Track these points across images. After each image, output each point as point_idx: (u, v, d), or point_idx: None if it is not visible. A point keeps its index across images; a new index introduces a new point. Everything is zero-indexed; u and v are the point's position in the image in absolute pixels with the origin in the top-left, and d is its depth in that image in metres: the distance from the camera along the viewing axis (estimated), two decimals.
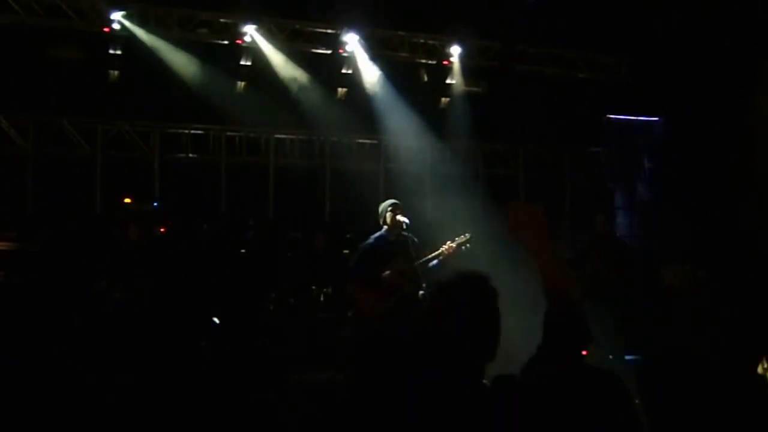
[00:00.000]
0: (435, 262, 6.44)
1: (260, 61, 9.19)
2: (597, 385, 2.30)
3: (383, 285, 6.47)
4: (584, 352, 8.30)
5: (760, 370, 4.24)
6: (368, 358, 2.06)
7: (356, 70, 9.53)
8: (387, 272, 6.49)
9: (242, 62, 9.08)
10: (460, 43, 9.75)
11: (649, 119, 10.93)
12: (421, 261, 6.38)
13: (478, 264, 7.74)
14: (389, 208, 6.49)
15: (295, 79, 9.32)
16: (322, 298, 8.38)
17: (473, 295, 2.14)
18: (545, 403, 2.20)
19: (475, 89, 10.08)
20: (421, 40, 9.88)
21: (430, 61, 9.97)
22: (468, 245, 6.47)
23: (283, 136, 9.86)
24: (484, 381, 2.16)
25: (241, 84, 9.17)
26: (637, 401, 2.41)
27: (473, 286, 2.16)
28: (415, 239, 6.49)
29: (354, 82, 9.56)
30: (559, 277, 2.28)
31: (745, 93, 9.28)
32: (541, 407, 2.18)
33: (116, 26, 8.53)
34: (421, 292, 6.36)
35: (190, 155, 9.48)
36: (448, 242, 6.48)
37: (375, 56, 9.58)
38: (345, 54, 9.39)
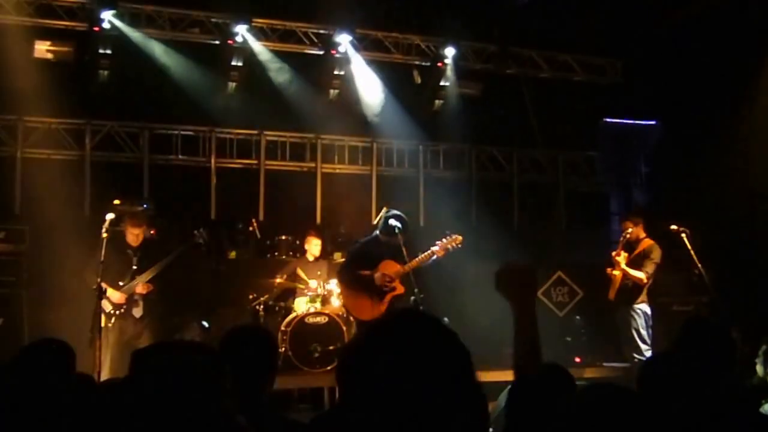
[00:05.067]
0: (427, 263, 6.44)
1: (252, 62, 9.10)
2: None
3: (373, 287, 6.42)
4: (578, 359, 8.15)
5: (760, 372, 4.14)
6: (352, 362, 2.00)
7: (349, 71, 9.44)
8: (377, 274, 6.44)
9: (233, 63, 8.98)
10: (454, 44, 9.66)
11: (646, 123, 10.82)
12: (412, 264, 6.36)
13: (466, 265, 7.67)
14: (397, 231, 6.40)
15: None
16: (312, 302, 8.28)
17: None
18: None
19: (469, 91, 9.97)
20: (415, 42, 9.79)
21: (423, 63, 9.87)
22: (458, 246, 6.49)
23: (274, 138, 9.76)
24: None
25: (232, 85, 9.08)
26: None
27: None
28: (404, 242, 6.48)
29: (346, 83, 9.46)
30: (531, 342, 2.32)
31: (742, 96, 9.20)
32: None
33: (106, 25, 8.42)
34: (412, 297, 6.30)
35: (180, 156, 9.37)
36: (438, 243, 6.48)
37: (368, 57, 9.49)
38: (337, 55, 9.30)
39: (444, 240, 6.55)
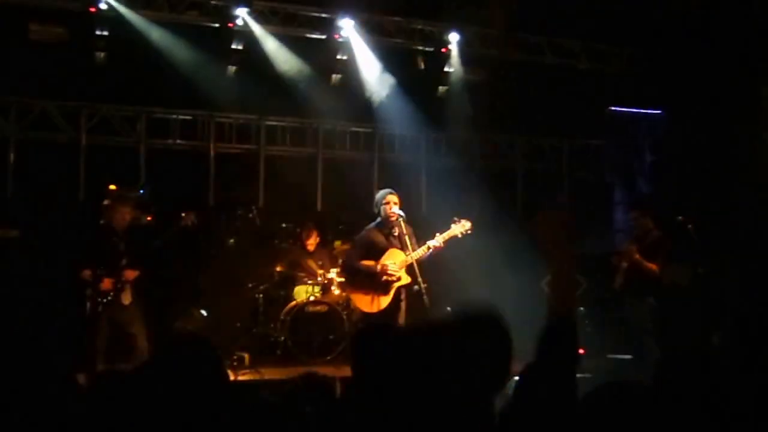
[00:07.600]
0: (430, 252, 6.32)
1: (252, 46, 8.91)
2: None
3: (376, 279, 6.31)
4: (581, 351, 8.08)
5: None
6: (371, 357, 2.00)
7: (351, 56, 9.26)
8: (379, 267, 6.32)
9: (233, 46, 8.79)
10: (459, 30, 9.49)
11: (652, 112, 10.70)
12: (418, 252, 6.25)
13: (469, 253, 7.53)
14: (384, 201, 6.37)
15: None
16: (312, 291, 8.18)
17: (489, 338, 2.36)
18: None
19: (473, 78, 9.81)
20: (419, 27, 9.60)
21: (427, 48, 9.69)
22: (467, 232, 6.37)
23: (274, 123, 9.59)
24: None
25: (231, 68, 8.89)
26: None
27: (489, 328, 2.38)
28: (410, 229, 6.38)
29: (349, 68, 9.29)
30: (566, 289, 2.39)
31: (750, 85, 9.10)
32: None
33: (103, 6, 8.22)
34: (415, 287, 6.18)
35: (178, 141, 9.20)
36: (437, 235, 6.35)
37: (371, 42, 9.30)
38: (340, 39, 9.12)
39: (453, 226, 6.41)
